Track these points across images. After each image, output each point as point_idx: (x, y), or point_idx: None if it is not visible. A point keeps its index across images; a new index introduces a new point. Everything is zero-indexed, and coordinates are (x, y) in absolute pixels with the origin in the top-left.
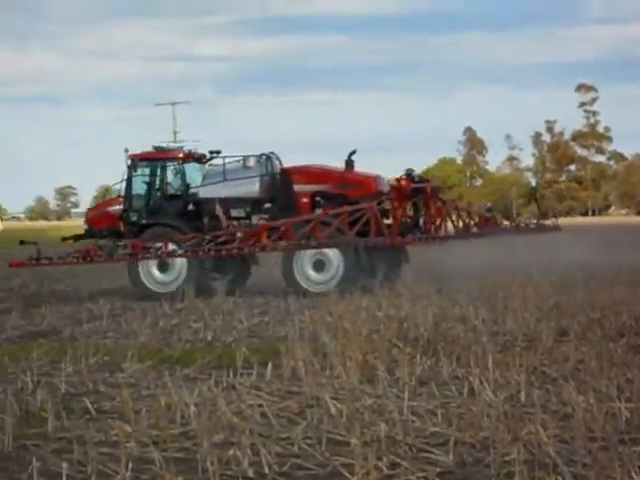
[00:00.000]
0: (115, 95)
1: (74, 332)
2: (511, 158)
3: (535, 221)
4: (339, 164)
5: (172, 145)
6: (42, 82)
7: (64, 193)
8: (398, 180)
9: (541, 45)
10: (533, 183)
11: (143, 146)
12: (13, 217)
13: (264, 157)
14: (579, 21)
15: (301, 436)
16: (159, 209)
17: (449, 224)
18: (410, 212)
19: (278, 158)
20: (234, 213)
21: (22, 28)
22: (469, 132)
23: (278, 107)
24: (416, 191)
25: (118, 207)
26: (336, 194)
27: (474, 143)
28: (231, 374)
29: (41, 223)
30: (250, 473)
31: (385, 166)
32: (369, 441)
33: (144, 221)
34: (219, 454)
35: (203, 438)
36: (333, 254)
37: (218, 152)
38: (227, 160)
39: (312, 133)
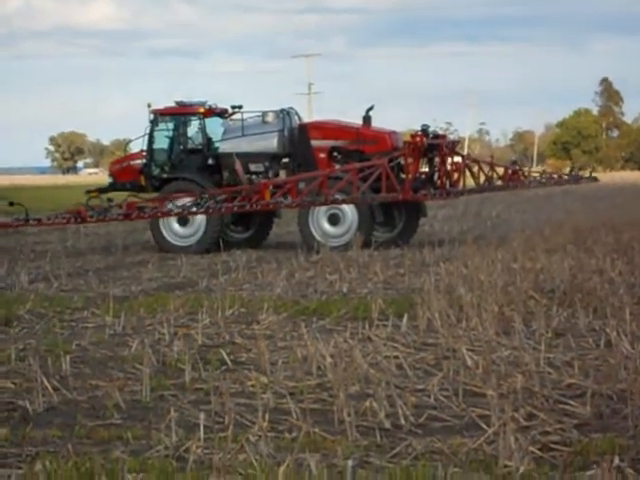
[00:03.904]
0: (251, 48)
1: (210, 284)
2: None
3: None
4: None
5: (194, 100)
6: (180, 35)
7: None
8: (413, 136)
9: None
10: None
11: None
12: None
13: (283, 112)
14: None
15: (437, 388)
16: (180, 163)
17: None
18: (425, 168)
19: (297, 113)
20: (252, 168)
21: None
22: (605, 83)
23: (410, 59)
24: (431, 147)
25: (140, 161)
26: (353, 150)
27: (610, 94)
28: (367, 326)
29: None
30: (386, 424)
31: (522, 118)
32: (505, 393)
33: (165, 175)
34: (355, 405)
35: (339, 389)
36: (348, 208)
37: (240, 107)
38: (247, 115)
39: (445, 85)
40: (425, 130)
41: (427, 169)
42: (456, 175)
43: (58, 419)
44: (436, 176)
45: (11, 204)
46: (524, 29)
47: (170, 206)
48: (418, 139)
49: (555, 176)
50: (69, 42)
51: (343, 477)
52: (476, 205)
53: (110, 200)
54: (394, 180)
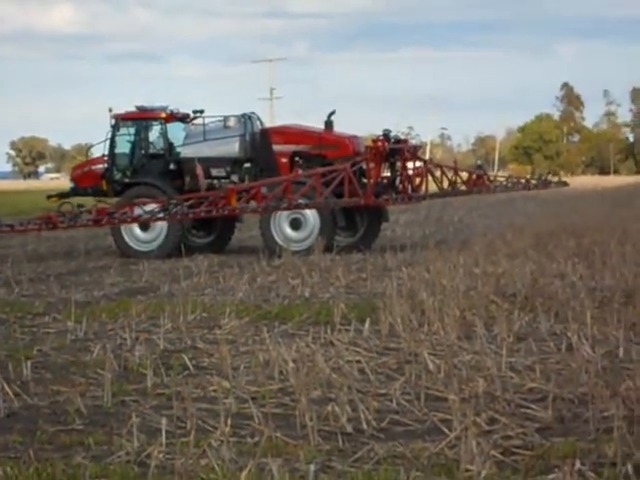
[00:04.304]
0: (212, 52)
1: (172, 289)
2: (608, 114)
3: (537, 177)
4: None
5: (156, 105)
6: (139, 39)
7: None
8: (374, 141)
9: None
10: (631, 139)
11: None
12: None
13: (245, 117)
14: None
15: (399, 392)
16: (141, 168)
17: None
18: (387, 172)
19: (259, 118)
20: (214, 173)
21: None
22: (566, 88)
23: (373, 64)
24: (393, 152)
25: (102, 166)
26: (314, 154)
27: (571, 99)
28: (329, 330)
29: None
30: (349, 429)
31: (484, 123)
32: (467, 397)
33: (126, 180)
34: (317, 410)
35: (301, 394)
36: (310, 213)
37: (202, 112)
38: (208, 120)
39: (407, 90)
40: (387, 135)
41: (389, 174)
42: (418, 180)
43: (19, 425)
44: (398, 181)
45: None
46: (487, 34)
47: (139, 212)
48: (380, 144)
49: (523, 181)
50: (29, 46)
51: None
52: (438, 210)
53: (80, 206)
54: (356, 185)
